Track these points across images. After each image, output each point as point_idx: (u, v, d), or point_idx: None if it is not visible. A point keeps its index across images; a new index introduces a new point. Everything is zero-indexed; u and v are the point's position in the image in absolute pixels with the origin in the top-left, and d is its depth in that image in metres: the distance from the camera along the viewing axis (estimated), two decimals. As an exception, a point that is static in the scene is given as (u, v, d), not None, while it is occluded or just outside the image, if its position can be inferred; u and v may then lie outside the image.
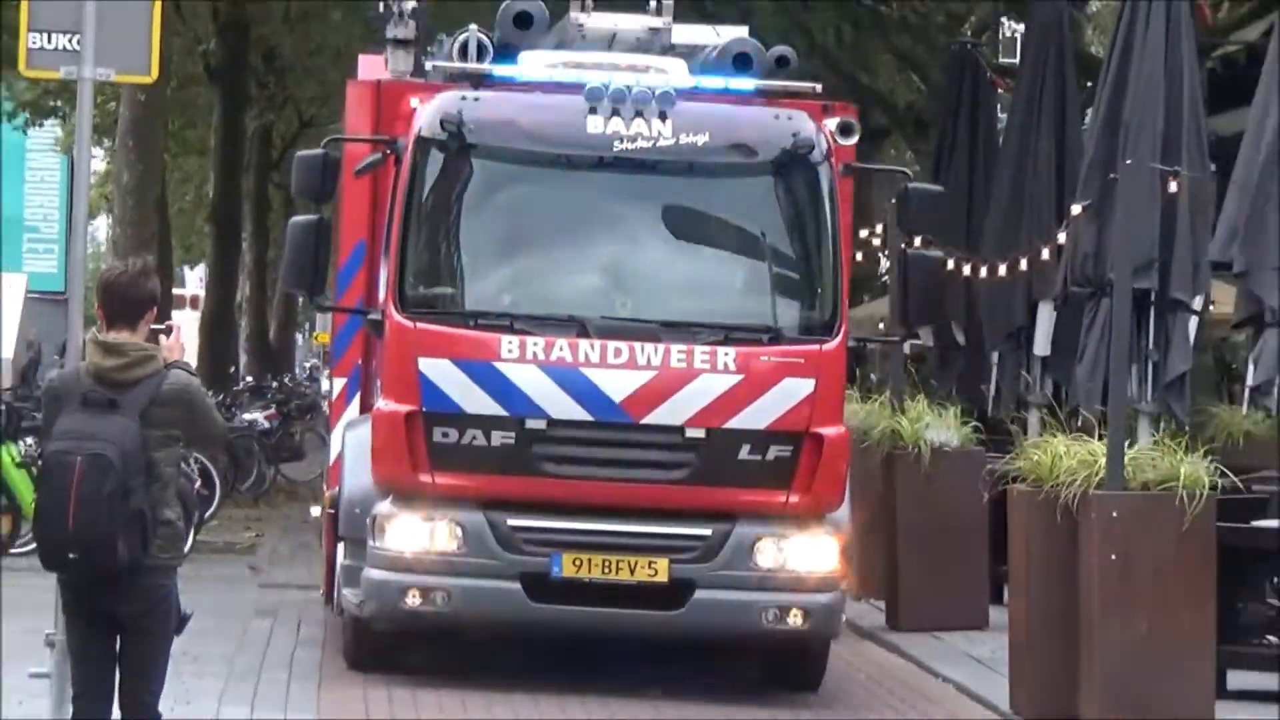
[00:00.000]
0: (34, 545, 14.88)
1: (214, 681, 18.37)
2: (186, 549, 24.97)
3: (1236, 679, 19.55)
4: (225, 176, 48.50)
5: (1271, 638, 20.26)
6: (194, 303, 57.16)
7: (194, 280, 65.35)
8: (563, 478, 16.91)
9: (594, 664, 18.34)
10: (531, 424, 16.81)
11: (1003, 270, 23.29)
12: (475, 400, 16.80)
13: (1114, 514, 16.14)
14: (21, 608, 18.39)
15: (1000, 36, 50.95)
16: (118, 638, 12.76)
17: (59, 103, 48.80)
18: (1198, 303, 20.97)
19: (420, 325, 16.97)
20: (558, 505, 16.88)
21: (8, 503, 25.68)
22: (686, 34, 19.37)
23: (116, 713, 12.95)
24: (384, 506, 17.09)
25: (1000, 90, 34.85)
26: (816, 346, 17.13)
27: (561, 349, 16.78)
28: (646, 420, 16.88)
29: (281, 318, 71.32)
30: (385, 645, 17.69)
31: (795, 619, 16.79)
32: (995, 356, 25.49)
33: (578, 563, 16.80)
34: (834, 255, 17.42)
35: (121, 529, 12.34)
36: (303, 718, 17.44)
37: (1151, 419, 19.16)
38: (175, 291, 57.96)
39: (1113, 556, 16.15)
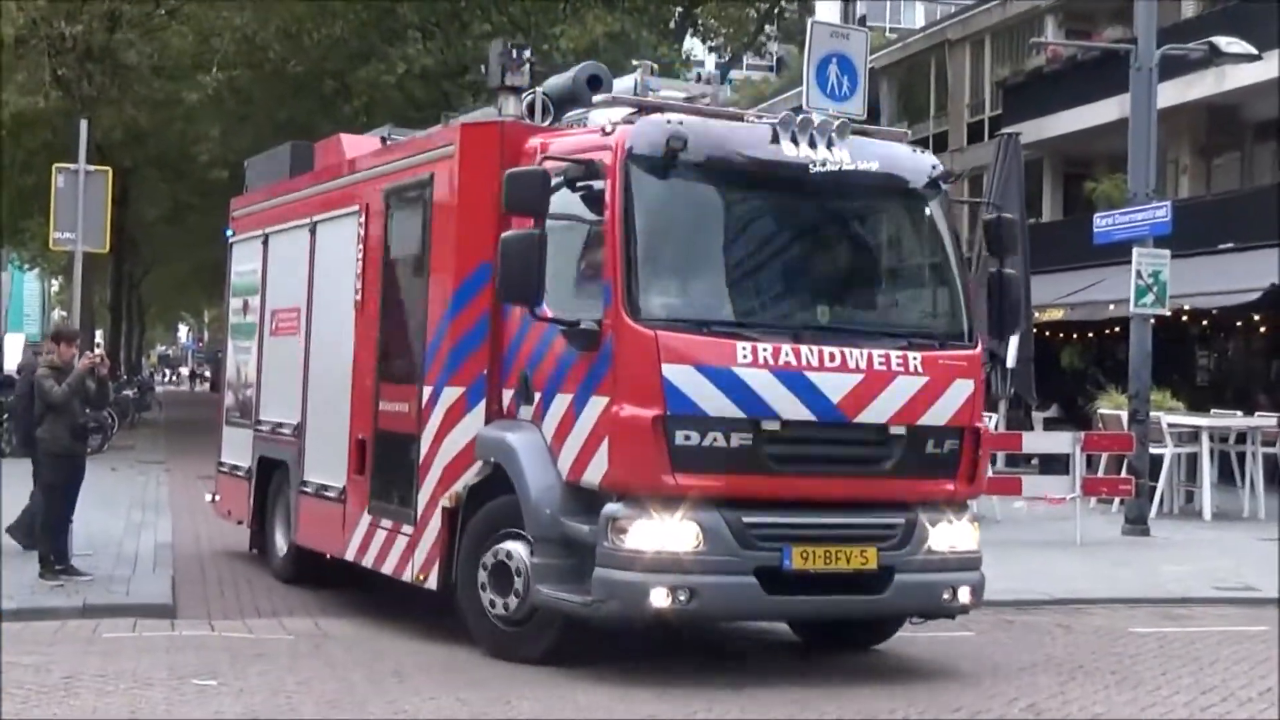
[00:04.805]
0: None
1: (126, 497, 18.12)
2: (104, 449, 24.52)
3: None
4: (115, 291, 46.98)
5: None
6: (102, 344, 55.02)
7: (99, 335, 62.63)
8: (788, 475, 8.91)
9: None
10: (766, 425, 8.82)
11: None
12: (716, 404, 8.71)
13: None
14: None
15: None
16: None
17: (40, 258, 46.68)
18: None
19: (661, 333, 8.67)
20: (782, 501, 8.94)
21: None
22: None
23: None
24: (618, 508, 8.71)
25: None
26: (971, 350, 9.62)
27: (786, 354, 8.88)
28: (858, 419, 9.06)
29: (139, 349, 68.49)
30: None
31: (964, 594, 9.42)
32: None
33: (805, 555, 8.88)
34: (959, 267, 9.96)
35: (9, 433, 13.04)
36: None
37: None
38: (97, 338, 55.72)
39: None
